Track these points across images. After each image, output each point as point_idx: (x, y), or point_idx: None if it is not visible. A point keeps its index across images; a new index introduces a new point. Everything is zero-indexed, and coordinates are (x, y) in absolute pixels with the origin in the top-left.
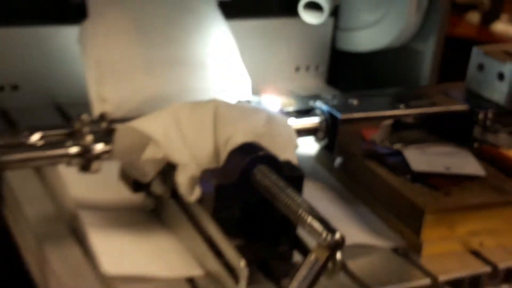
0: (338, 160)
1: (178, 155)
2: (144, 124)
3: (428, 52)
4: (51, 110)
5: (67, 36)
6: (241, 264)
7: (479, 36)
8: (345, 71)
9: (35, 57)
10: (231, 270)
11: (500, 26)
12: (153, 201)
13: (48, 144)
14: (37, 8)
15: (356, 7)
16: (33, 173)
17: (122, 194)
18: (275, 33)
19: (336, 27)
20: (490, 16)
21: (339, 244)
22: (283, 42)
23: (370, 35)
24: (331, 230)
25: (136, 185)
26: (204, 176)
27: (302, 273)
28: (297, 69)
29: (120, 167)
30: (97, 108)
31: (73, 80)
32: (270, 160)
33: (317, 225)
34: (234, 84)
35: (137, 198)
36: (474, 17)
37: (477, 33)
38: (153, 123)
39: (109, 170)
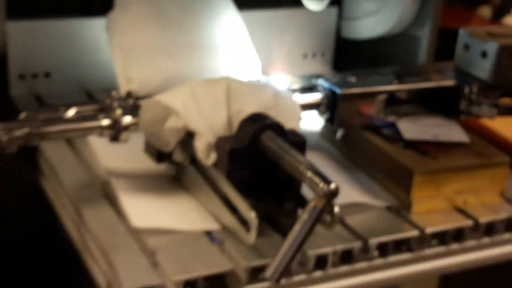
0: (339, 133)
1: (196, 124)
2: (166, 98)
3: (424, 38)
4: (80, 95)
5: (93, 27)
6: (251, 215)
7: None
8: (349, 57)
9: (65, 47)
10: (244, 223)
11: None
12: (174, 168)
13: (83, 118)
14: (67, 2)
15: None
16: (66, 146)
17: (147, 163)
18: (284, 23)
19: (340, 17)
20: (501, 11)
21: (334, 193)
22: (291, 31)
23: (371, 23)
24: (327, 181)
25: (159, 156)
26: (219, 142)
27: (303, 218)
28: (305, 56)
29: (145, 141)
30: (124, 87)
31: (99, 67)
32: (276, 128)
33: (315, 178)
34: (245, 65)
35: (159, 167)
36: (485, 11)
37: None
38: (173, 97)
39: (134, 143)
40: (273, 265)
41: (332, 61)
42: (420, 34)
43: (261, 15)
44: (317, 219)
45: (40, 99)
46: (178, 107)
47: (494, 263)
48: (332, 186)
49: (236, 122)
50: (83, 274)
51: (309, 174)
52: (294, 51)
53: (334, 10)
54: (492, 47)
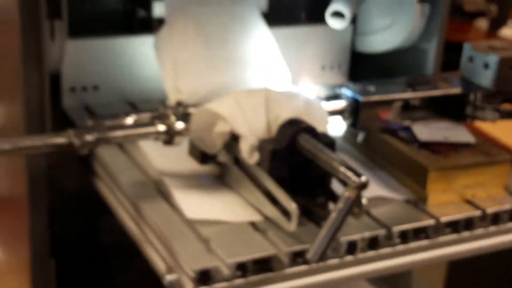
0: (360, 136)
1: (241, 128)
2: (214, 106)
3: (432, 51)
4: (124, 106)
5: (134, 44)
6: (293, 206)
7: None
8: (363, 69)
9: (111, 62)
10: (285, 213)
11: (508, 32)
12: (218, 168)
13: (142, 124)
14: (112, 23)
15: (370, 15)
16: (118, 149)
17: (192, 164)
18: (304, 39)
19: (354, 32)
20: (497, 22)
21: (365, 185)
22: (311, 46)
23: (382, 38)
24: (358, 174)
25: (203, 158)
26: (261, 144)
27: (338, 207)
28: (323, 68)
29: (189, 145)
30: (173, 97)
31: (140, 80)
32: (310, 131)
33: (348, 172)
34: (277, 76)
35: (204, 167)
36: (482, 23)
37: (486, 39)
38: (221, 105)
39: (180, 146)
40: (314, 248)
41: (347, 72)
42: (428, 47)
43: (285, 32)
44: (351, 208)
45: (89, 109)
46: (225, 114)
47: (500, 250)
48: (363, 178)
49: (274, 126)
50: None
51: (342, 169)
52: (314, 64)
53: (349, 27)
54: (493, 59)
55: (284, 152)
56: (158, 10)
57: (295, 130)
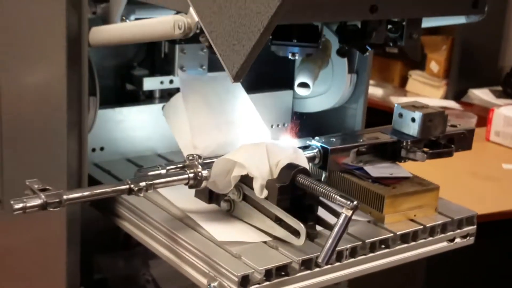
0: (324, 175)
1: (255, 172)
2: (232, 156)
3: (359, 109)
4: (125, 163)
5: (130, 113)
6: (302, 226)
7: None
8: (302, 126)
9: (113, 128)
10: (293, 233)
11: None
12: (228, 205)
13: (176, 173)
14: (120, 95)
15: None
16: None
17: (203, 204)
18: (257, 103)
19: (294, 96)
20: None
21: (356, 206)
22: (263, 108)
23: (319, 100)
24: (351, 200)
25: (210, 199)
26: (269, 183)
27: (339, 222)
28: (272, 126)
29: (196, 190)
30: (188, 152)
31: (135, 141)
32: (305, 171)
33: (342, 198)
34: (260, 134)
35: (212, 206)
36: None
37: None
38: (238, 155)
39: (186, 192)
40: (323, 254)
41: (286, 129)
42: (356, 107)
43: None
44: (348, 223)
45: (98, 166)
46: (242, 161)
47: (435, 254)
48: (355, 202)
49: (275, 170)
50: None
51: (338, 196)
52: (266, 122)
53: (289, 92)
54: (418, 115)
55: (287, 188)
56: (146, 84)
57: (295, 171)
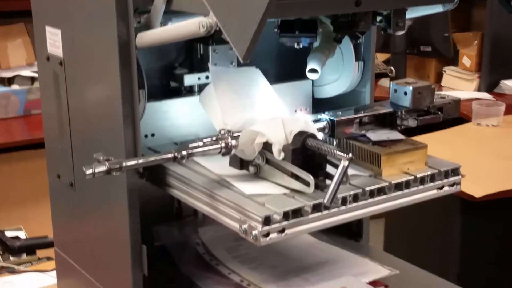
0: (335, 142)
1: (273, 139)
2: (256, 128)
3: (367, 92)
4: (173, 146)
5: (175, 105)
6: (311, 177)
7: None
8: (321, 110)
9: (161, 117)
10: (305, 183)
11: None
12: (254, 168)
13: (210, 143)
14: (167, 90)
15: (324, 73)
16: (180, 167)
17: (235, 170)
18: (282, 92)
19: (313, 85)
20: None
21: (352, 158)
22: (288, 97)
23: (333, 87)
24: (347, 153)
25: (241, 166)
26: (285, 147)
27: (339, 171)
28: (296, 111)
29: (230, 159)
30: (220, 128)
31: (179, 127)
32: (313, 136)
33: (342, 152)
34: (279, 111)
35: (243, 171)
36: (385, 82)
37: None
38: (259, 127)
39: (220, 161)
40: (327, 196)
41: (311, 112)
42: (364, 90)
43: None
44: (346, 172)
45: (151, 149)
46: (263, 131)
47: (425, 201)
48: (350, 154)
49: (289, 137)
50: None
51: (336, 151)
52: (290, 108)
53: (309, 82)
54: (409, 89)
55: (299, 150)
56: (187, 81)
57: (305, 136)
